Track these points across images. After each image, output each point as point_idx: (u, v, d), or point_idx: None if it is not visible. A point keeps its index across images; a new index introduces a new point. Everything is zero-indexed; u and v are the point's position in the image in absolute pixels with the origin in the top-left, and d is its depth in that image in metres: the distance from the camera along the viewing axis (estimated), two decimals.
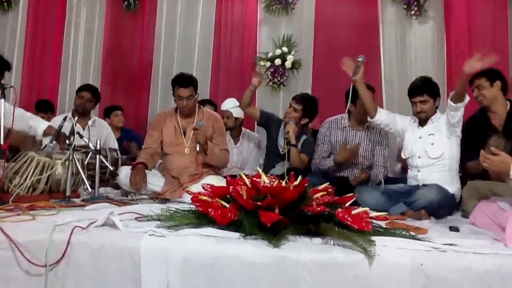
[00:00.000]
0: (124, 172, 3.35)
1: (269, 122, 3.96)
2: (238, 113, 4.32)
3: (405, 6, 4.91)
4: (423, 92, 3.19)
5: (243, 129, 4.51)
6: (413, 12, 4.89)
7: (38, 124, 3.28)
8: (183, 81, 3.41)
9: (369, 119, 3.44)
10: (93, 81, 5.36)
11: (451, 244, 2.06)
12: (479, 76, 3.26)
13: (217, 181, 2.55)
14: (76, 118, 3.37)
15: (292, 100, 3.82)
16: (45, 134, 3.25)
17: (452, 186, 3.12)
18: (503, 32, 4.80)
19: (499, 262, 1.88)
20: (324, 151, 3.72)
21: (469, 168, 3.20)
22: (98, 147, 3.13)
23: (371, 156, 3.68)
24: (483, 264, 1.87)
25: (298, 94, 3.95)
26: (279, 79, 5.04)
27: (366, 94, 3.33)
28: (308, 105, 3.75)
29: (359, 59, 3.27)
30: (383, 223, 2.41)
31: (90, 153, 3.20)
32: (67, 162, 2.99)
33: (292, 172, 2.38)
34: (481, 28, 4.84)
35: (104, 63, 5.50)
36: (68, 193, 2.95)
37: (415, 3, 4.87)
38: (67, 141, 3.02)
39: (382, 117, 3.35)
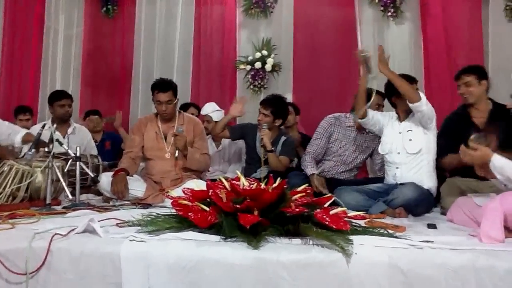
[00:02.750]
0: (106, 179, 3.34)
1: (243, 133, 3.93)
2: (218, 117, 4.34)
3: (382, 8, 4.98)
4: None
5: None
6: (389, 13, 4.96)
7: (16, 132, 3.27)
8: (162, 86, 3.42)
9: (358, 120, 3.41)
10: (73, 87, 5.35)
11: (427, 241, 2.11)
12: (468, 73, 3.25)
13: (199, 185, 2.55)
14: (55, 125, 3.35)
15: (260, 105, 3.79)
16: (24, 141, 3.25)
17: (429, 182, 3.17)
18: (478, 31, 4.90)
19: (474, 257, 1.93)
20: (320, 147, 3.69)
21: (445, 163, 3.24)
22: (78, 154, 3.12)
23: (363, 160, 3.77)
24: (458, 259, 1.92)
25: (265, 98, 3.94)
26: (259, 82, 5.07)
27: (363, 95, 3.31)
28: (276, 107, 3.73)
29: (363, 54, 3.23)
30: (362, 222, 2.46)
31: (70, 160, 3.18)
32: (46, 170, 2.97)
33: (271, 175, 2.41)
34: (457, 28, 4.93)
35: (84, 69, 5.47)
36: (48, 201, 2.93)
37: (392, 5, 4.94)
38: (46, 149, 3.01)
39: (370, 116, 3.35)
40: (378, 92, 3.63)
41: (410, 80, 3.28)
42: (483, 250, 2.01)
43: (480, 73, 3.26)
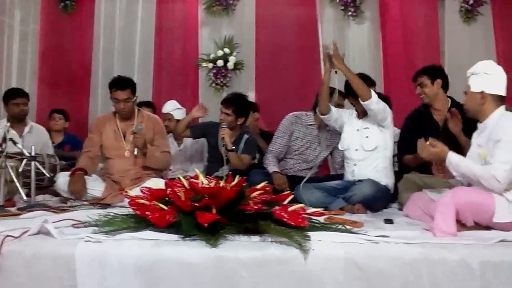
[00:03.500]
0: (63, 179, 3.26)
1: (205, 131, 3.92)
2: (179, 115, 4.31)
3: (343, 7, 5.05)
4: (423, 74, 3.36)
5: None
6: (350, 13, 5.04)
7: None
8: (120, 83, 3.37)
9: (320, 116, 3.46)
10: (29, 85, 5.16)
11: (383, 236, 2.16)
12: (421, 74, 3.38)
13: (157, 184, 2.52)
14: (9, 124, 3.25)
15: (221, 105, 3.78)
16: None
17: (386, 179, 3.26)
18: (435, 31, 5.07)
19: (427, 250, 1.98)
20: (282, 145, 3.70)
21: (406, 161, 3.33)
22: (33, 153, 3.03)
23: (326, 156, 3.79)
24: (411, 253, 1.97)
25: (225, 97, 3.91)
26: (221, 80, 5.05)
27: (326, 90, 3.36)
28: (237, 106, 3.73)
29: (328, 50, 3.30)
30: (321, 219, 2.49)
31: (25, 160, 3.08)
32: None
33: (230, 173, 2.41)
34: (415, 28, 5.08)
35: (41, 67, 5.29)
36: (1, 202, 2.84)
37: (352, 4, 5.02)
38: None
39: (333, 112, 3.41)
40: (339, 91, 3.69)
41: (368, 81, 3.35)
42: (436, 244, 2.07)
43: (433, 73, 3.37)
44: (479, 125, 2.58)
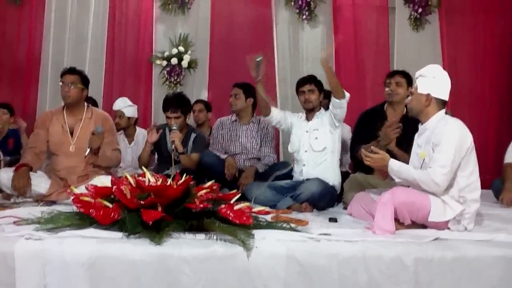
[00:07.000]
0: (5, 175, 3.14)
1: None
2: (130, 112, 4.26)
3: (297, 10, 5.15)
4: (311, 81, 3.44)
5: (137, 128, 4.45)
6: (304, 16, 5.14)
7: None
8: (70, 69, 3.36)
9: (262, 117, 3.62)
10: None
11: (326, 234, 2.24)
12: (402, 75, 3.48)
13: (103, 181, 2.49)
14: None
15: (166, 112, 3.65)
16: None
17: (333, 179, 3.35)
18: (385, 36, 5.26)
19: (364, 247, 2.08)
20: (218, 150, 3.88)
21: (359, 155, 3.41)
22: None
23: (258, 148, 3.88)
24: (350, 250, 2.06)
25: (168, 103, 3.68)
26: (175, 78, 5.02)
27: (263, 94, 3.44)
28: (183, 105, 3.68)
29: (258, 59, 3.34)
30: (268, 217, 2.55)
31: None
32: None
33: (178, 171, 2.42)
34: (366, 32, 5.26)
35: None
36: None
37: (306, 8, 5.12)
38: None
39: (274, 114, 3.53)
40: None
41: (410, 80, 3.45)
42: (373, 241, 2.17)
43: (411, 80, 3.45)
44: (420, 127, 2.70)
